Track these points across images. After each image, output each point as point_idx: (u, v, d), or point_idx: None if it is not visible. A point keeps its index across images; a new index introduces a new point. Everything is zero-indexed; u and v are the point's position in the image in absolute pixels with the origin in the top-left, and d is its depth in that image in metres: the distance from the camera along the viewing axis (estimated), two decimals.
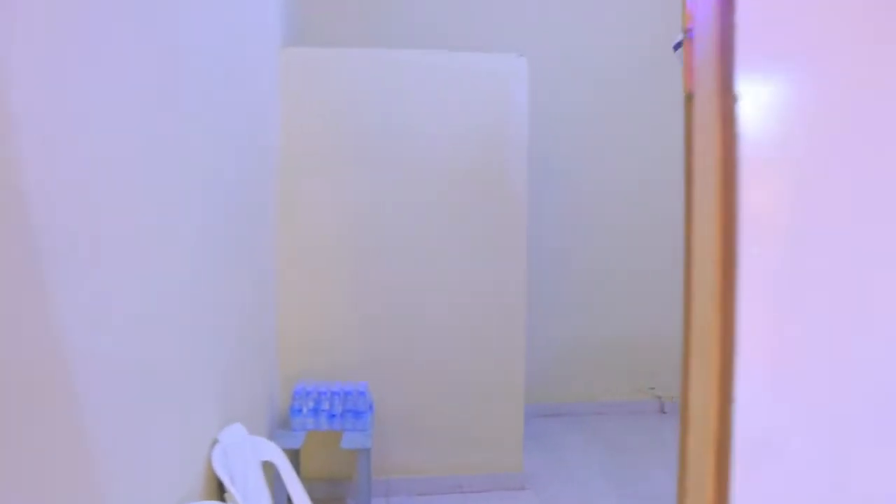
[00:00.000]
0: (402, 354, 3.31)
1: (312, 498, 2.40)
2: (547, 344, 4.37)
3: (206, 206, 2.08)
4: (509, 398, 3.35)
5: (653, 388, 4.52)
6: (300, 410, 2.97)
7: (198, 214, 2.01)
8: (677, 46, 2.21)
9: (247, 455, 2.25)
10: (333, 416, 2.96)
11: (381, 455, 3.27)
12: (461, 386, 3.32)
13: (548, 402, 4.38)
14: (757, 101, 1.03)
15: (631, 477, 3.49)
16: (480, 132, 3.29)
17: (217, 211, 2.21)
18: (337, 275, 3.27)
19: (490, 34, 4.26)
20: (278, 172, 3.19)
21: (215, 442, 2.10)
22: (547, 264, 4.37)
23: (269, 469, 2.45)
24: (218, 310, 2.21)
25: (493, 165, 3.29)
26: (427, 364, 3.31)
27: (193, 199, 1.97)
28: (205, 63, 2.06)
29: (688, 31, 1.21)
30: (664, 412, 4.52)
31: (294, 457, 3.03)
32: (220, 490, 2.04)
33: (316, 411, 2.97)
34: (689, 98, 1.19)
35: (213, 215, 2.16)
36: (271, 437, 2.92)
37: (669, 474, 3.50)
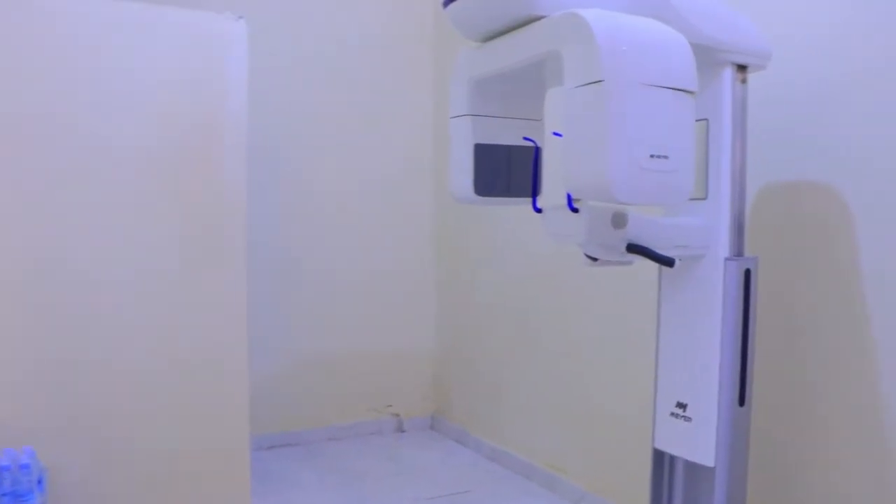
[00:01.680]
0: (76, 400, 2.52)
1: None
2: (273, 363, 3.81)
3: None
4: (230, 431, 2.74)
5: (390, 406, 4.14)
6: None
7: None
8: (448, 2, 1.85)
9: None
10: None
11: None
12: (163, 429, 2.64)
13: (276, 432, 3.81)
14: None
15: None
16: (179, 110, 2.64)
17: None
18: None
19: None
20: None
21: None
22: (270, 270, 3.79)
23: None
24: None
25: (200, 154, 2.67)
26: (114, 404, 2.59)
27: None
28: None
29: None
30: (403, 431, 4.16)
31: None
32: None
33: None
34: None
35: None
36: None
37: (407, 499, 3.15)
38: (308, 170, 3.93)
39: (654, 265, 1.89)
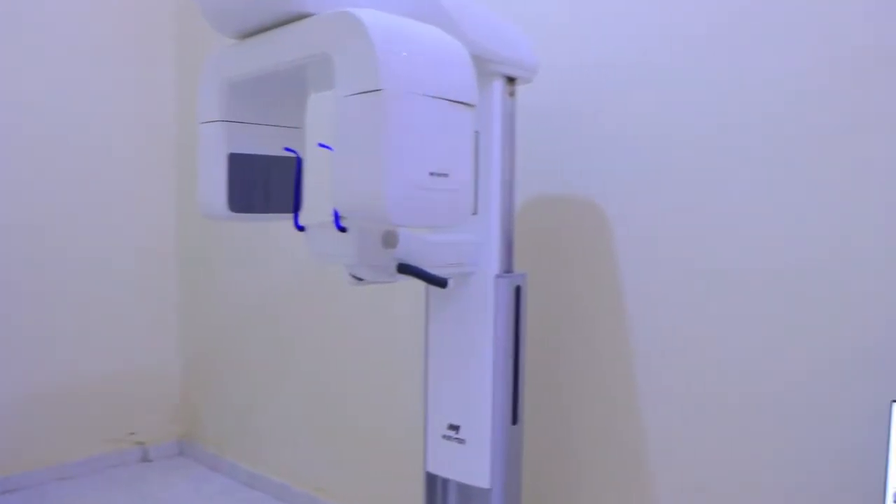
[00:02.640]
0: None
1: None
2: None
3: None
4: None
5: (133, 434, 3.73)
6: None
7: None
8: None
9: None
10: None
11: None
12: None
13: None
14: None
15: None
16: None
17: None
18: None
19: None
20: None
21: None
22: None
23: None
24: None
25: None
26: None
27: None
28: None
29: None
30: (149, 460, 3.76)
31: None
32: None
33: None
34: None
35: None
36: None
37: None
38: (26, 176, 3.40)
39: (420, 283, 1.80)
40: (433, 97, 1.37)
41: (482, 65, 1.78)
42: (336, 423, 3.07)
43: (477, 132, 1.88)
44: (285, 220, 1.81)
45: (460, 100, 1.42)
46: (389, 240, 1.62)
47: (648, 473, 2.13)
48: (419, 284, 1.98)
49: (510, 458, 1.95)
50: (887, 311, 1.69)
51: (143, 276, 3.78)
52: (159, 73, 3.80)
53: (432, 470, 2.04)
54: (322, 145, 1.58)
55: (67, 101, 3.49)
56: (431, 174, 1.37)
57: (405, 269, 1.67)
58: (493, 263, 1.88)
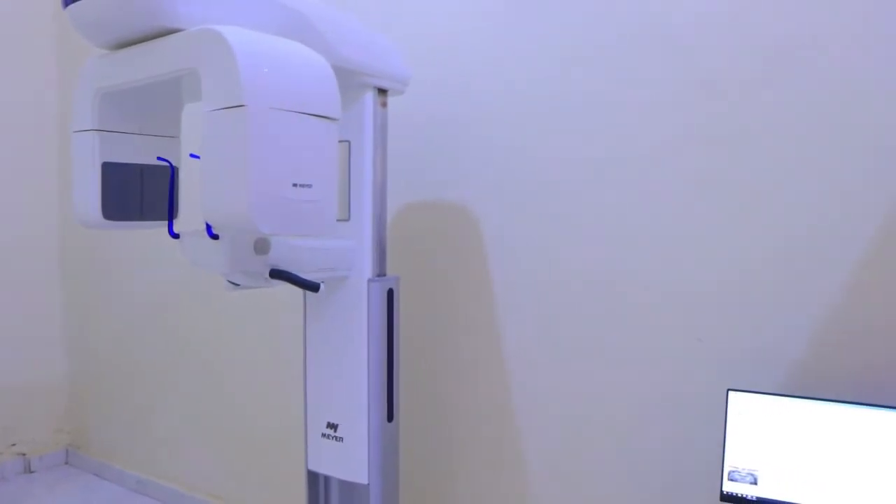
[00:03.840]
0: None
1: None
2: None
3: None
4: None
5: (14, 445, 3.64)
6: None
7: None
8: (68, 2, 1.62)
9: None
10: None
11: None
12: None
13: None
14: None
15: None
16: None
17: None
18: None
19: None
20: None
21: None
22: None
23: None
24: None
25: None
26: None
27: None
28: None
29: None
30: (31, 471, 3.68)
31: None
32: None
33: None
34: None
35: None
36: None
37: None
38: None
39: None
40: (296, 112, 1.44)
41: (353, 77, 1.87)
42: (226, 426, 3.09)
43: (349, 141, 1.97)
44: (161, 228, 1.84)
45: (323, 114, 1.50)
46: (261, 247, 1.69)
47: (518, 463, 2.26)
48: (297, 289, 2.04)
49: (387, 454, 2.04)
50: (722, 308, 1.87)
51: (26, 283, 3.69)
52: (40, 75, 3.72)
53: (313, 468, 2.11)
54: (194, 156, 1.63)
55: None
56: (295, 185, 1.45)
57: (278, 274, 1.74)
58: (367, 268, 1.96)
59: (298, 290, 2.73)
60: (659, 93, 1.95)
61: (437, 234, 2.39)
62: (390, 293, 2.00)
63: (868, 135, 1.67)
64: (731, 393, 1.69)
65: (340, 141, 1.97)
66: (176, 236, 1.75)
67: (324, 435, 2.06)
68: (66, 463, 3.81)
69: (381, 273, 2.01)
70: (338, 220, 1.99)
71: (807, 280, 1.76)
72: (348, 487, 2.09)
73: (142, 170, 1.79)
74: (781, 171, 1.78)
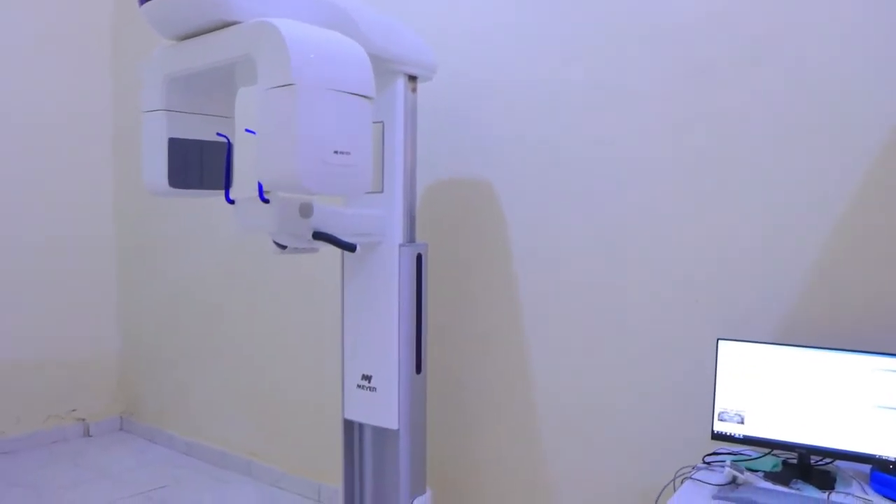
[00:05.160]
0: None
1: None
2: None
3: None
4: None
5: (74, 411, 3.94)
6: None
7: None
8: (143, 1, 1.88)
9: None
10: None
11: None
12: None
13: None
14: None
15: None
16: None
17: None
18: None
19: None
20: None
21: None
22: None
23: None
24: None
25: None
26: None
27: None
28: None
29: None
30: (89, 435, 3.98)
31: None
32: None
33: None
34: None
35: None
36: None
37: (101, 502, 3.09)
38: None
39: (337, 258, 2.10)
40: (336, 90, 1.69)
41: (385, 64, 2.12)
42: (264, 391, 3.35)
43: (382, 122, 2.21)
44: (217, 197, 2.10)
45: (360, 93, 1.75)
46: (305, 210, 1.93)
47: (533, 408, 2.49)
48: (337, 262, 2.28)
49: (415, 403, 2.28)
50: (718, 267, 2.08)
51: (84, 270, 4.01)
52: (96, 68, 4.02)
53: (349, 416, 2.35)
54: (249, 131, 1.88)
55: (8, 95, 3.70)
56: (336, 152, 1.70)
57: (319, 235, 1.98)
58: (397, 234, 2.21)
59: (334, 264, 2.98)
60: (665, 79, 2.17)
61: (464, 208, 2.63)
62: (419, 257, 2.24)
63: (840, 114, 1.87)
64: (720, 342, 1.90)
65: (375, 122, 2.22)
66: (231, 202, 2.00)
67: (359, 386, 2.30)
68: (121, 429, 4.11)
69: (410, 239, 2.25)
70: (372, 192, 2.24)
71: (790, 246, 1.97)
72: (380, 433, 2.33)
73: (202, 145, 2.06)
74: (769, 148, 1.99)
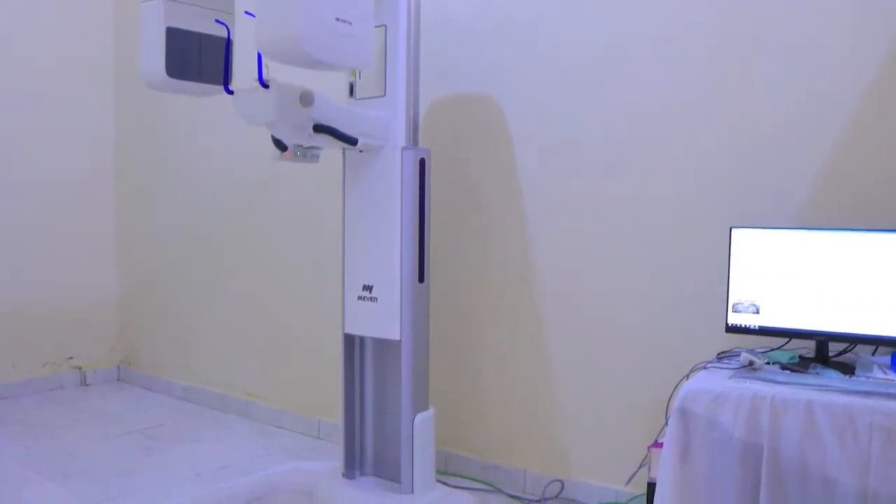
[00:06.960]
0: None
1: None
2: None
3: None
4: None
5: (71, 359, 3.88)
6: None
7: None
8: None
9: None
10: None
11: None
12: None
13: None
14: None
15: (58, 456, 2.88)
16: None
17: None
18: None
19: None
20: None
21: None
22: None
23: None
24: None
25: None
26: None
27: None
28: None
29: None
30: (86, 384, 3.92)
31: None
32: None
33: None
34: None
35: None
36: None
37: (98, 438, 3.05)
38: None
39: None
40: None
41: None
42: (262, 333, 3.30)
43: (385, 25, 2.15)
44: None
45: None
46: (306, 99, 1.88)
47: (541, 315, 2.43)
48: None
49: (418, 313, 2.22)
50: (731, 156, 2.03)
51: (81, 214, 3.93)
52: (97, 10, 3.94)
53: (349, 331, 2.29)
54: (248, 13, 1.82)
55: (6, 39, 3.63)
56: (337, 19, 1.64)
57: (321, 128, 1.93)
58: (400, 137, 2.15)
59: (331, 205, 2.92)
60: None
61: (468, 119, 2.57)
62: (422, 162, 2.18)
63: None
64: (733, 230, 1.84)
65: (377, 25, 2.16)
66: (231, 92, 1.94)
67: (359, 298, 2.24)
68: (118, 378, 4.05)
69: (414, 144, 2.19)
70: (374, 97, 2.18)
71: (808, 132, 1.91)
72: (382, 345, 2.27)
73: (201, 38, 2.00)
74: (789, 25, 1.93)
